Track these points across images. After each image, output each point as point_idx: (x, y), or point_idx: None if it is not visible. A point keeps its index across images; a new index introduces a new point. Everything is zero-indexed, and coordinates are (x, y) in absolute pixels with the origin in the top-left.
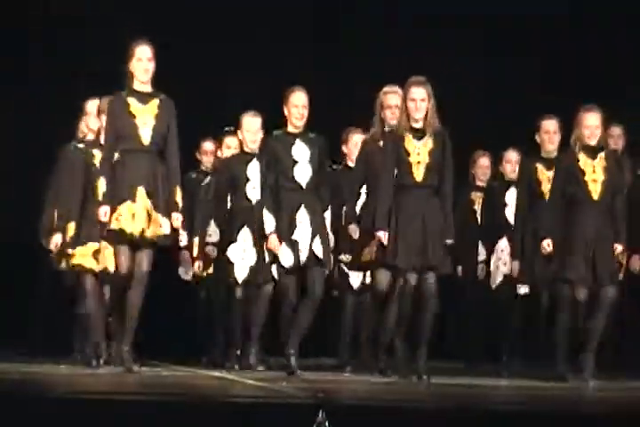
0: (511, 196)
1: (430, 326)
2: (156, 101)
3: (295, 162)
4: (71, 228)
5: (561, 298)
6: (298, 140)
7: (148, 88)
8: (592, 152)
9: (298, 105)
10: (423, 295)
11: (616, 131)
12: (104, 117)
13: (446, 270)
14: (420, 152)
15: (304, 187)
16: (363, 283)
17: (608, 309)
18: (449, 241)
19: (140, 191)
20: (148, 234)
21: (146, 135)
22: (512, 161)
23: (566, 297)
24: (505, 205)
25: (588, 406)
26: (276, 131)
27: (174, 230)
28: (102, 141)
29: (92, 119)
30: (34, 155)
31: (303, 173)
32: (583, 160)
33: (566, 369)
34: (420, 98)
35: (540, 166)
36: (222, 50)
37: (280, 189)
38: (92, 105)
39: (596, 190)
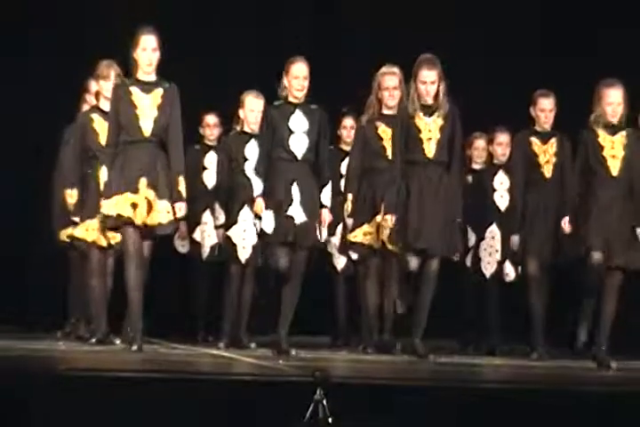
0: (499, 180)
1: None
2: (159, 91)
3: (291, 132)
4: (73, 195)
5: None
6: (297, 111)
7: (152, 77)
8: (613, 129)
9: (299, 76)
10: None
11: None
12: (102, 82)
13: (455, 251)
14: (430, 128)
15: (299, 158)
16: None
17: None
18: (458, 220)
19: (142, 182)
20: (149, 221)
21: (147, 126)
22: (503, 144)
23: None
24: (494, 189)
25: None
26: (277, 101)
27: (176, 220)
28: (101, 106)
29: (92, 84)
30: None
31: (299, 144)
32: (602, 136)
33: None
34: (431, 81)
35: (534, 139)
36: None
37: (275, 160)
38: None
39: (615, 166)
